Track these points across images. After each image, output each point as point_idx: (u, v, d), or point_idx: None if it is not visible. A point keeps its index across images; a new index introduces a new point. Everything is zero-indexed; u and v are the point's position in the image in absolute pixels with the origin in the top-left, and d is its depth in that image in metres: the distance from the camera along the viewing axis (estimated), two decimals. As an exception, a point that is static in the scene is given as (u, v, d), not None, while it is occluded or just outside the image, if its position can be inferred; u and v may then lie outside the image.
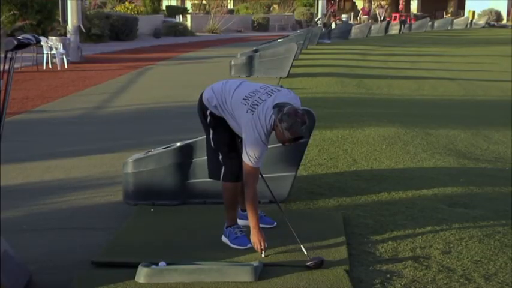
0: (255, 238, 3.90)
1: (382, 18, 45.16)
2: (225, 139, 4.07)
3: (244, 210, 4.38)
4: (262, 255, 3.83)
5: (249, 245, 3.99)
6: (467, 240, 4.19)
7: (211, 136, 4.13)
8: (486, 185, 5.68)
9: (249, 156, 3.79)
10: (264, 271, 3.60)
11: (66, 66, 16.04)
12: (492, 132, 8.66)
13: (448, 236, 4.25)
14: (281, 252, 3.91)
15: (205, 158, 4.70)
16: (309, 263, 3.68)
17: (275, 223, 4.40)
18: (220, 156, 4.12)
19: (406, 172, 6.09)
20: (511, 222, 4.59)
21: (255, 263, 3.61)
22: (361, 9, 52.71)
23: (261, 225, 4.31)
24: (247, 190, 3.88)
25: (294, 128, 3.63)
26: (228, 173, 4.09)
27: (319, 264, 3.67)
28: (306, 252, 3.81)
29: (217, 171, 4.15)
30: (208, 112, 4.06)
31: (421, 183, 5.59)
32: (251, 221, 3.91)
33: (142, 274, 3.48)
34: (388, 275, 3.65)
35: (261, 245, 3.87)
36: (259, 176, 4.09)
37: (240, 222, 4.24)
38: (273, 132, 3.80)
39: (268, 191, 4.37)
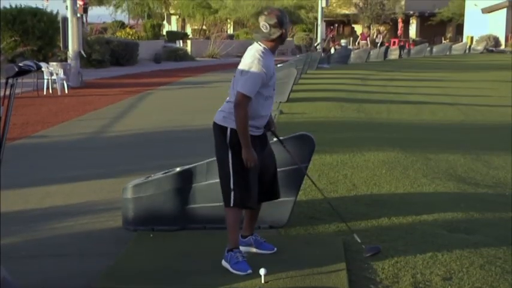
0: (246, 155, 4.01)
1: (380, 43, 45.46)
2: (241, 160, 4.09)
3: (244, 237, 4.38)
4: (262, 281, 3.82)
5: (249, 271, 3.98)
6: (468, 266, 4.17)
7: (229, 158, 4.13)
8: (486, 211, 5.67)
9: (244, 85, 3.98)
10: (264, 297, 3.58)
11: (66, 92, 16.11)
12: (492, 157, 8.67)
13: (448, 262, 4.24)
14: (281, 278, 3.89)
15: (206, 183, 4.73)
16: (367, 254, 3.80)
17: (275, 249, 4.40)
18: (233, 180, 4.11)
19: (406, 197, 6.08)
20: (511, 248, 4.58)
21: (255, 289, 3.60)
22: (360, 34, 53.08)
23: (262, 251, 4.32)
24: (240, 113, 3.99)
25: (282, 18, 4.03)
26: (238, 198, 4.11)
27: (377, 253, 3.94)
28: (359, 240, 4.12)
29: (228, 196, 4.17)
30: (228, 130, 4.09)
31: (421, 208, 5.58)
32: (242, 140, 4.01)
33: (141, 301, 3.46)
34: (389, 302, 3.63)
35: (252, 162, 4.02)
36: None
37: (241, 248, 4.24)
38: None
39: (267, 216, 4.40)
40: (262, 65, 4.01)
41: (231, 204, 4.14)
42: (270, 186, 4.32)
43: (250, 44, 4.27)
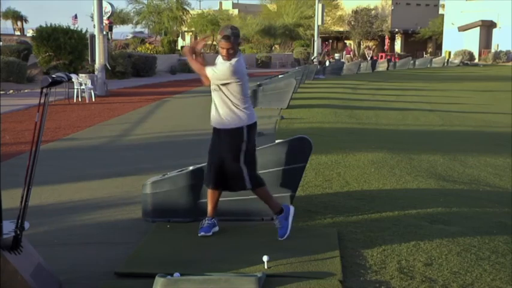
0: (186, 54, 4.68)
1: (370, 57, 45.42)
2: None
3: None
4: (265, 267, 3.81)
5: (202, 233, 4.45)
6: (447, 253, 4.16)
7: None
8: (463, 205, 5.65)
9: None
10: (266, 281, 3.57)
11: (93, 100, 16.12)
12: (467, 157, 8.64)
13: (429, 250, 4.22)
14: (282, 264, 3.88)
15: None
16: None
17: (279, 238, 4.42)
18: None
19: (392, 193, 6.06)
20: (485, 238, 4.56)
21: (259, 274, 3.59)
22: (345, 48, 53.02)
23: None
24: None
25: (221, 29, 4.37)
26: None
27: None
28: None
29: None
30: None
31: (406, 203, 5.56)
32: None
33: (159, 284, 3.45)
34: (377, 285, 3.61)
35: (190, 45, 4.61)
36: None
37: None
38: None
39: (269, 209, 4.42)
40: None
41: None
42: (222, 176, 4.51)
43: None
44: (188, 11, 47.29)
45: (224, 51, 4.37)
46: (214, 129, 4.53)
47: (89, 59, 19.03)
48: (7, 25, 56.74)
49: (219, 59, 4.48)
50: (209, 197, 4.61)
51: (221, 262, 3.95)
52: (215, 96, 4.47)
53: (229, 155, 4.40)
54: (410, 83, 27.04)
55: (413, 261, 4.02)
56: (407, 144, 9.67)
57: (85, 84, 16.17)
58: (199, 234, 4.50)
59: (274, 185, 4.76)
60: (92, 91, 16.34)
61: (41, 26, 23.37)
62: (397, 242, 4.37)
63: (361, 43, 57.40)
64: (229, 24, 4.65)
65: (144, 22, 47.35)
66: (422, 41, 59.62)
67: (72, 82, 15.58)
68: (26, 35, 40.66)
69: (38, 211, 5.09)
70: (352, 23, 56.37)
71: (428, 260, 4.03)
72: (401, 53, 55.46)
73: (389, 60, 41.37)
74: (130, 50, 31.20)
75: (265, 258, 3.82)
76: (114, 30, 39.88)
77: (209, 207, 4.60)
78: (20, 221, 3.21)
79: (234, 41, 4.35)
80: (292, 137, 4.93)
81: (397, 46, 61.64)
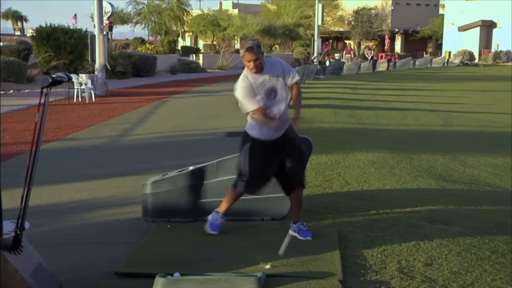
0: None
1: (370, 58, 45.39)
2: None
3: (294, 222, 4.48)
4: (266, 267, 3.81)
5: (214, 232, 4.46)
6: (447, 253, 4.16)
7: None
8: (463, 205, 5.65)
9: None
10: (266, 281, 3.57)
11: (93, 100, 16.11)
12: (467, 157, 8.64)
13: (430, 250, 4.22)
14: (282, 264, 3.88)
15: (216, 180, 4.71)
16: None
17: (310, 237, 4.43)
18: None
19: (392, 192, 6.06)
20: (485, 238, 4.55)
21: (259, 274, 3.59)
22: (345, 48, 52.97)
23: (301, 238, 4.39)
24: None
25: (242, 44, 4.24)
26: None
27: None
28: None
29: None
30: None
31: (406, 203, 5.56)
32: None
33: (159, 284, 3.45)
34: (377, 285, 3.61)
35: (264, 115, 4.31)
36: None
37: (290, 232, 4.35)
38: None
39: (269, 209, 4.40)
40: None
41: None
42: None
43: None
44: (188, 11, 47.30)
45: (251, 64, 4.18)
46: (279, 139, 4.38)
47: (89, 59, 19.01)
48: (7, 25, 56.81)
49: (245, 79, 4.26)
50: (232, 199, 4.55)
51: (221, 262, 3.95)
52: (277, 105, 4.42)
53: (303, 153, 4.49)
54: (411, 83, 27.02)
55: (414, 261, 4.02)
56: (407, 144, 9.67)
57: (85, 84, 16.15)
58: (210, 231, 4.49)
59: (275, 184, 4.75)
60: (92, 91, 16.32)
61: (41, 26, 23.35)
62: (397, 242, 4.37)
63: (361, 43, 57.36)
64: (247, 37, 4.65)
65: (144, 22, 47.37)
66: (423, 41, 59.61)
67: (72, 82, 15.56)
68: (26, 35, 40.65)
69: (38, 211, 5.09)
70: (353, 23, 56.35)
71: (428, 260, 4.03)
72: (401, 53, 55.41)
73: (389, 60, 41.31)
74: (130, 50, 31.16)
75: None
76: (114, 30, 39.86)
77: (226, 206, 4.57)
78: (20, 221, 3.22)
79: (258, 50, 4.20)
80: (292, 137, 4.92)
81: (397, 46, 61.59)
